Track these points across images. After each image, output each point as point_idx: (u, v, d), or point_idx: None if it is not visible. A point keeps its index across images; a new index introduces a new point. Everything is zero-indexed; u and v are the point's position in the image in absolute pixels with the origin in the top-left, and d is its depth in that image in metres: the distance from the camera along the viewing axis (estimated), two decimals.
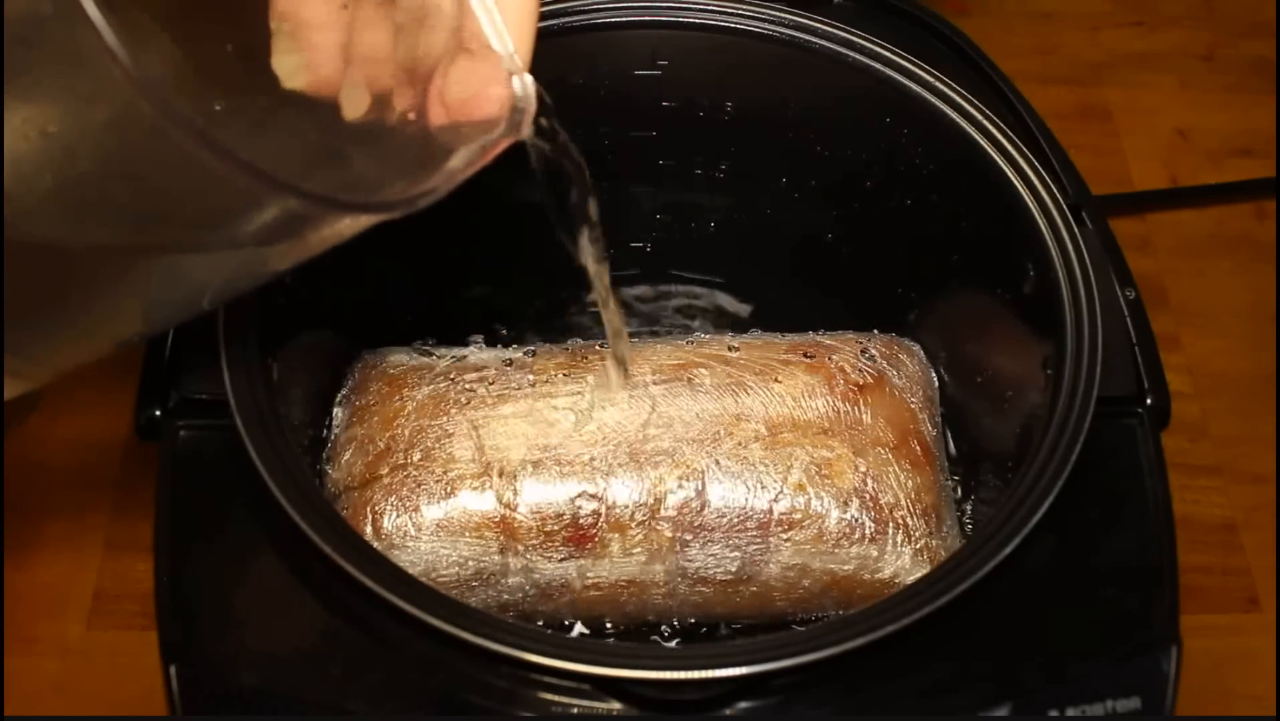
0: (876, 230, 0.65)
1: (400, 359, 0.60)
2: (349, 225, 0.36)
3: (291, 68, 0.41)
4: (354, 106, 0.42)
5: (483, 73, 0.42)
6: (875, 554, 0.56)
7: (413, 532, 0.54)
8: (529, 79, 0.43)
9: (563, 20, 0.61)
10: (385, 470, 0.55)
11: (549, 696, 0.45)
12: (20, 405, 0.68)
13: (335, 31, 0.41)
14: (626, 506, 0.55)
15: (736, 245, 0.69)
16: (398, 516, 0.54)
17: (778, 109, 0.64)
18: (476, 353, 0.60)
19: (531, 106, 0.43)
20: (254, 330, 0.51)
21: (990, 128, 0.58)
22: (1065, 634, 0.48)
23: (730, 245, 0.69)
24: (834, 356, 0.60)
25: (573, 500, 0.55)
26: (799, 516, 0.55)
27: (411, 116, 0.42)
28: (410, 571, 0.50)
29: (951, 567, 0.47)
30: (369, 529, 0.54)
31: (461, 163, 0.40)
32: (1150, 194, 0.82)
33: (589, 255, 0.50)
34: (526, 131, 0.43)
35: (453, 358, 0.60)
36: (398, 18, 0.42)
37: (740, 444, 0.56)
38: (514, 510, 0.55)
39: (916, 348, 0.63)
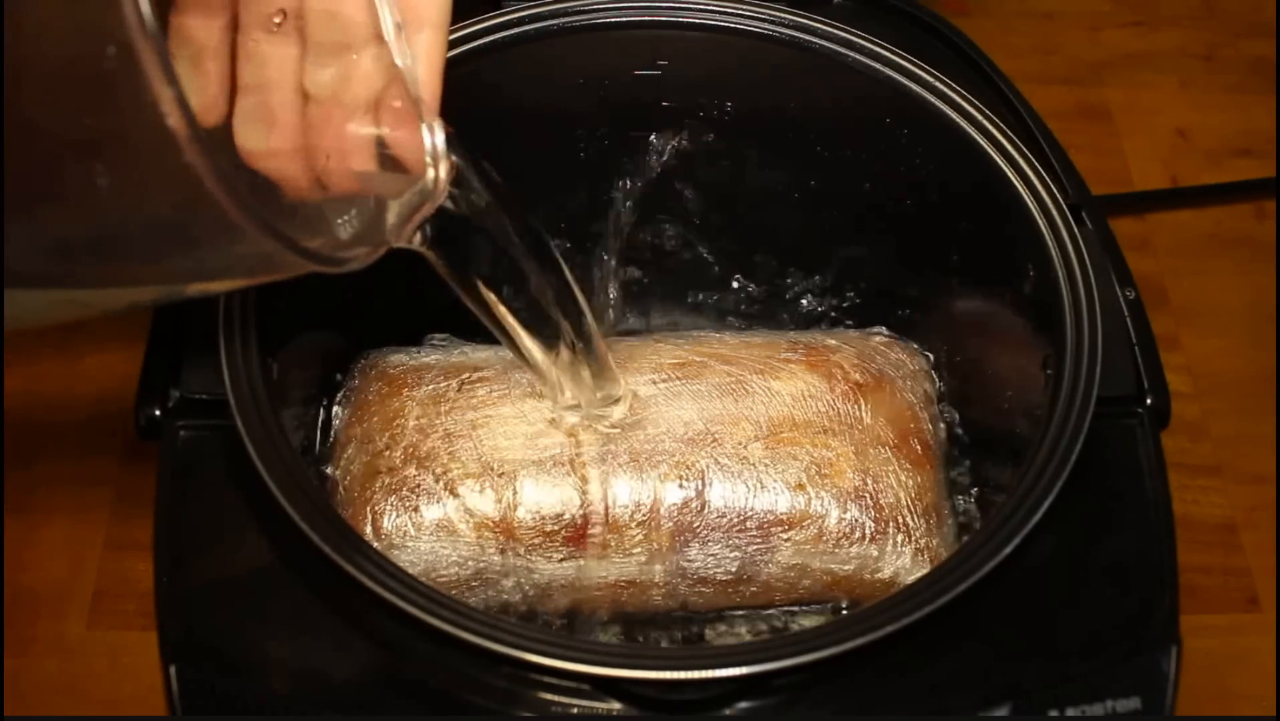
0: (876, 230, 0.65)
1: (400, 359, 0.60)
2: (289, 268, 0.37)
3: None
4: (246, 137, 0.42)
5: (400, 117, 0.42)
6: (875, 553, 0.56)
7: (412, 532, 0.54)
8: (439, 131, 0.43)
9: (563, 20, 0.61)
10: (385, 470, 0.55)
11: (549, 696, 0.45)
12: None
13: (226, 60, 0.41)
14: (626, 506, 0.55)
15: (736, 245, 0.69)
16: (397, 516, 0.54)
17: (778, 109, 0.64)
18: (476, 352, 0.60)
19: (442, 161, 0.43)
20: (254, 330, 0.51)
21: (990, 128, 0.58)
22: (1065, 634, 0.48)
23: (730, 245, 0.69)
24: (834, 355, 0.60)
25: (572, 500, 0.55)
26: (799, 516, 0.55)
27: (326, 160, 0.42)
28: (410, 571, 0.50)
29: (951, 567, 0.47)
30: (369, 529, 0.54)
31: (393, 224, 0.41)
32: (1150, 194, 0.82)
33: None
34: (443, 187, 0.43)
35: (453, 357, 0.60)
36: (310, 53, 0.42)
37: (740, 444, 0.56)
38: (513, 510, 0.55)
39: (916, 347, 0.63)
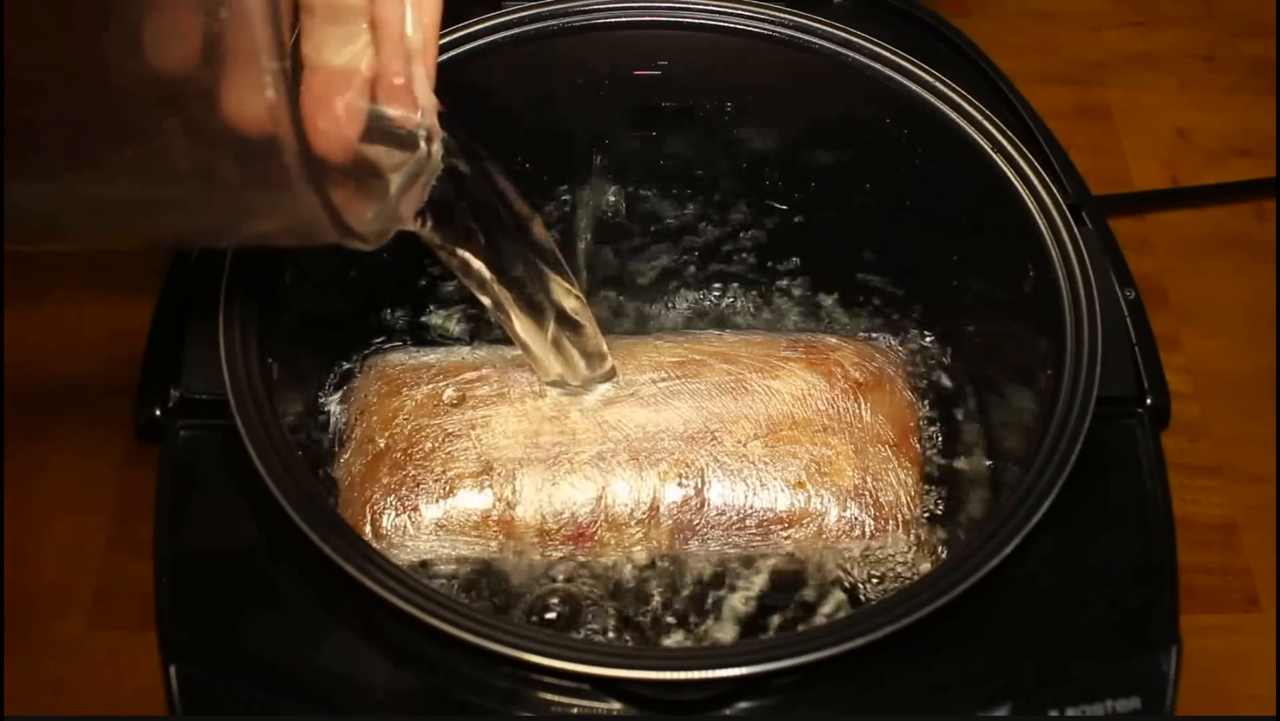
0: (876, 230, 0.65)
1: (400, 358, 0.60)
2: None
3: None
4: None
5: (398, 89, 0.43)
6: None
7: (412, 532, 0.54)
8: (434, 104, 0.43)
9: (563, 20, 0.61)
10: (384, 469, 0.55)
11: (549, 696, 0.45)
12: None
13: None
14: (626, 505, 0.55)
15: (735, 245, 0.69)
16: (397, 516, 0.55)
17: (778, 109, 0.64)
18: (476, 351, 0.60)
19: (437, 134, 0.43)
20: (254, 330, 0.52)
21: (990, 128, 0.58)
22: (1065, 634, 0.48)
23: (729, 245, 0.69)
24: (834, 354, 0.60)
25: (572, 499, 0.55)
26: (799, 514, 0.55)
27: (321, 127, 0.42)
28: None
29: (951, 567, 0.47)
30: (368, 528, 0.54)
31: (394, 195, 0.41)
32: (1150, 194, 0.81)
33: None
34: (438, 159, 0.43)
35: (452, 357, 0.60)
36: (308, 18, 0.42)
37: (740, 442, 0.56)
38: (513, 509, 0.55)
39: (916, 346, 0.63)
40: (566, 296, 0.52)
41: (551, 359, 0.54)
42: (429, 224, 0.45)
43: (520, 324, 0.52)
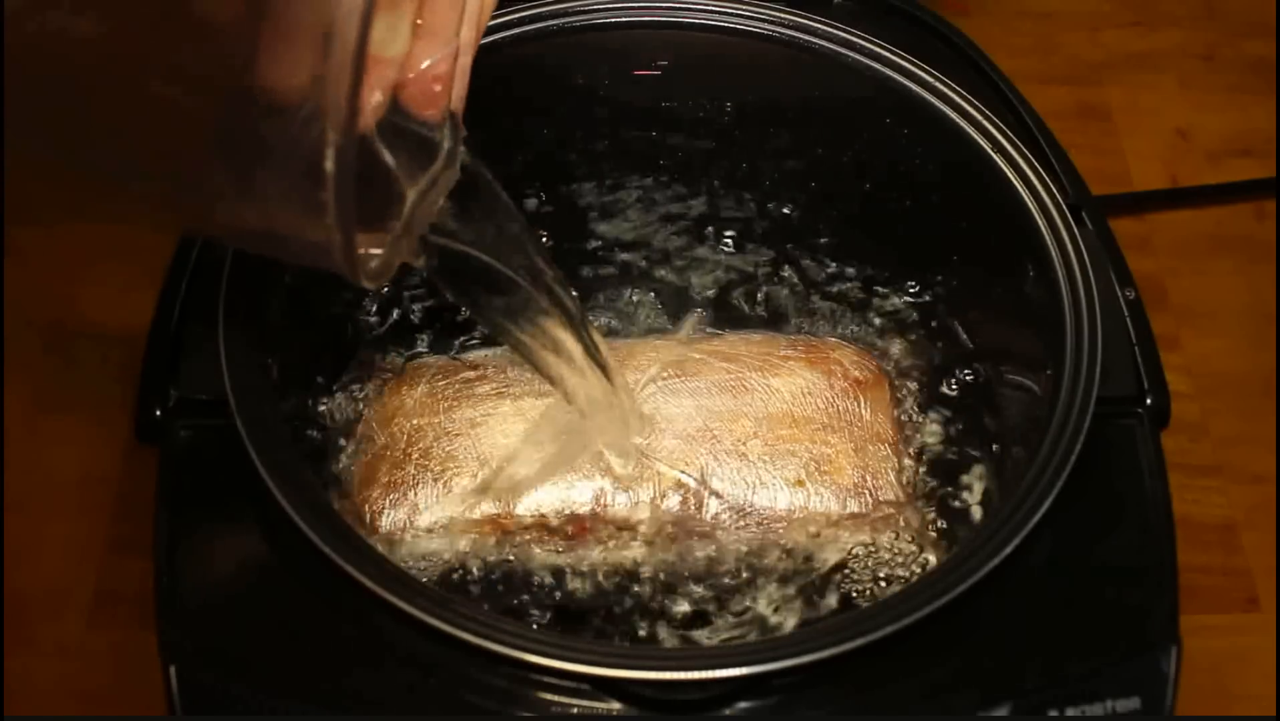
0: (876, 231, 0.65)
1: (400, 358, 0.60)
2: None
3: None
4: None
5: (431, 94, 0.42)
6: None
7: (411, 531, 0.54)
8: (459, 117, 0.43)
9: (563, 20, 0.61)
10: (384, 468, 0.55)
11: (549, 696, 0.45)
12: None
13: None
14: (625, 503, 0.55)
15: (735, 246, 0.69)
16: (396, 514, 0.55)
17: (778, 109, 0.64)
18: (475, 351, 0.60)
19: (461, 149, 0.43)
20: (254, 330, 0.52)
21: (990, 128, 0.58)
22: (1065, 634, 0.48)
23: (728, 246, 0.69)
24: (834, 353, 0.60)
25: (571, 497, 0.55)
26: (798, 512, 0.55)
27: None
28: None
29: (952, 567, 0.47)
30: (368, 527, 0.54)
31: (412, 202, 0.41)
32: (1150, 194, 0.81)
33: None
34: (455, 171, 0.43)
35: (452, 356, 0.60)
36: None
37: (740, 440, 0.56)
38: (511, 507, 0.55)
39: (916, 345, 0.63)
40: (580, 332, 0.51)
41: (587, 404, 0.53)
42: (433, 261, 0.45)
43: (539, 357, 0.51)
